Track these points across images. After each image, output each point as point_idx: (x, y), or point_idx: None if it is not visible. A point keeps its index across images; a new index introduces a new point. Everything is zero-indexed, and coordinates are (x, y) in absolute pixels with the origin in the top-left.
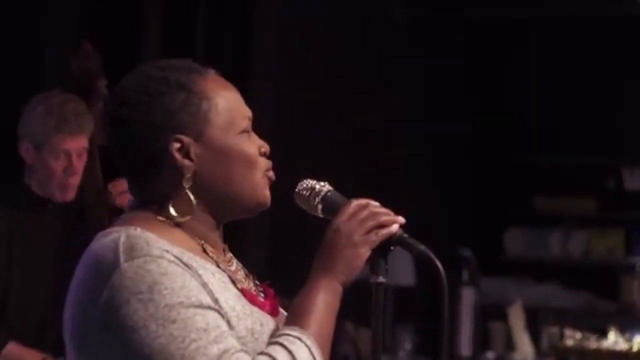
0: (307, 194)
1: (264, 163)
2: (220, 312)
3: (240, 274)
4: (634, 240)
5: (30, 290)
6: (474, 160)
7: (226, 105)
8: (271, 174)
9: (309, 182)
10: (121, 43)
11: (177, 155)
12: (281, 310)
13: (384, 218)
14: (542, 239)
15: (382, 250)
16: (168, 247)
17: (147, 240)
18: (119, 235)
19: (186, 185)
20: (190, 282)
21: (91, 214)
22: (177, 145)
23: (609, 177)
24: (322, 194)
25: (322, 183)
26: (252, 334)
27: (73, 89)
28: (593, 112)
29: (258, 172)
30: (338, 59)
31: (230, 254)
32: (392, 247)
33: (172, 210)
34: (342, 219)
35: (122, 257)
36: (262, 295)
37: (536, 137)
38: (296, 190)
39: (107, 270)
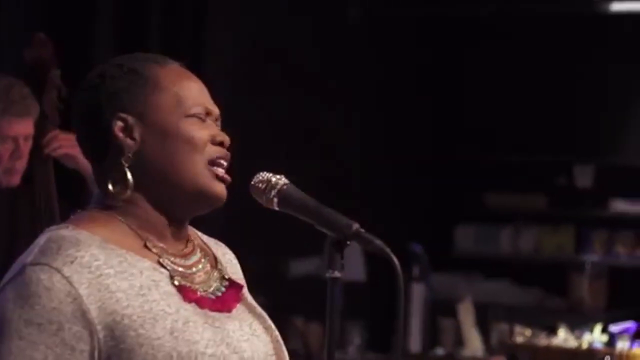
0: (263, 186)
1: (213, 151)
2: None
3: (198, 269)
4: (584, 237)
5: None
6: (425, 156)
7: (176, 89)
8: (221, 171)
9: (265, 175)
10: (75, 35)
11: (120, 134)
12: (248, 303)
13: None
14: (492, 236)
15: (339, 244)
16: (95, 246)
17: (62, 245)
18: (46, 235)
19: (125, 163)
20: (68, 305)
21: (40, 200)
22: (120, 124)
23: (559, 174)
24: (278, 187)
25: (278, 176)
26: (172, 334)
27: (27, 79)
28: (545, 108)
29: (201, 157)
30: (292, 57)
31: (194, 248)
32: (348, 242)
33: (110, 188)
34: None
35: (30, 258)
36: (222, 290)
37: (487, 133)
38: (252, 182)
39: (17, 268)
